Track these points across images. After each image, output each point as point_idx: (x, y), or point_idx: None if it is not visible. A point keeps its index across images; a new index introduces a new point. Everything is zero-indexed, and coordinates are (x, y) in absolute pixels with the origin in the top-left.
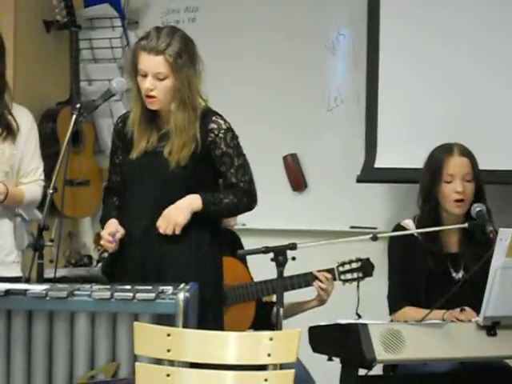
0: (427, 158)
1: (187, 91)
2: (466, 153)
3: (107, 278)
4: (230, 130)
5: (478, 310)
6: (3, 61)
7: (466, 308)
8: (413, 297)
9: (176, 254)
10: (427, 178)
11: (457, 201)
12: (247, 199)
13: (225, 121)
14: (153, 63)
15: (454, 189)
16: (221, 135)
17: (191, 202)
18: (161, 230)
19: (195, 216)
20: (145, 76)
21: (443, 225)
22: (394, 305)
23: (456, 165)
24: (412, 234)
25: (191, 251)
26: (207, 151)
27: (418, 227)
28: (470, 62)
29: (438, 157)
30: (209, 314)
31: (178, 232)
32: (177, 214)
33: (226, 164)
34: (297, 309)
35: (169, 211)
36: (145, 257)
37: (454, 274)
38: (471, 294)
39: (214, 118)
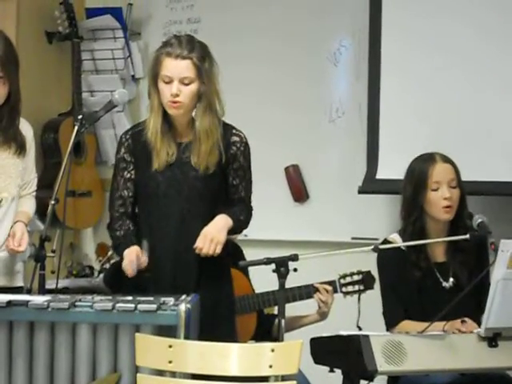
0: (407, 170)
1: (213, 95)
2: (448, 159)
3: (109, 289)
4: (247, 143)
5: (471, 318)
6: (18, 76)
7: (467, 319)
8: (408, 310)
9: (203, 268)
10: (410, 189)
11: (445, 207)
12: (250, 216)
13: (243, 134)
14: (179, 68)
15: (442, 195)
16: (242, 148)
17: (225, 221)
18: (203, 251)
19: None
20: (169, 82)
21: (429, 235)
22: (391, 320)
23: (441, 171)
24: (399, 248)
25: (216, 266)
26: (227, 163)
27: (403, 240)
28: (472, 73)
29: (421, 166)
30: (225, 325)
31: (219, 251)
32: (218, 233)
33: (240, 177)
34: (297, 323)
35: (208, 231)
36: (176, 272)
37: (444, 284)
38: (462, 303)
39: (234, 131)
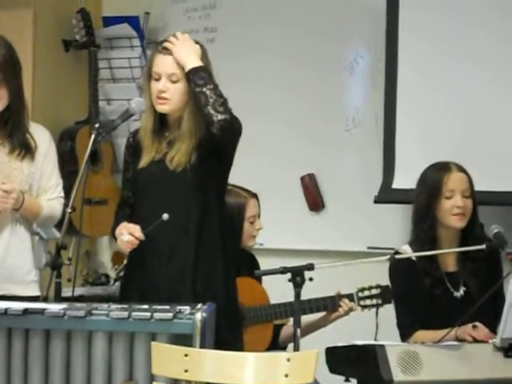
0: (420, 178)
1: None
2: (463, 169)
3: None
4: None
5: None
6: (20, 79)
7: (478, 324)
8: (422, 320)
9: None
10: (423, 197)
11: (457, 214)
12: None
13: None
14: (167, 64)
15: (455, 204)
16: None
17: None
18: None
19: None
20: (158, 80)
21: (440, 244)
22: (405, 331)
23: (456, 180)
24: (409, 258)
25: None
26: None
27: (414, 249)
28: (491, 82)
29: (435, 174)
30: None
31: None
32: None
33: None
34: (307, 329)
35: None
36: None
37: (455, 294)
38: (475, 313)
39: None
